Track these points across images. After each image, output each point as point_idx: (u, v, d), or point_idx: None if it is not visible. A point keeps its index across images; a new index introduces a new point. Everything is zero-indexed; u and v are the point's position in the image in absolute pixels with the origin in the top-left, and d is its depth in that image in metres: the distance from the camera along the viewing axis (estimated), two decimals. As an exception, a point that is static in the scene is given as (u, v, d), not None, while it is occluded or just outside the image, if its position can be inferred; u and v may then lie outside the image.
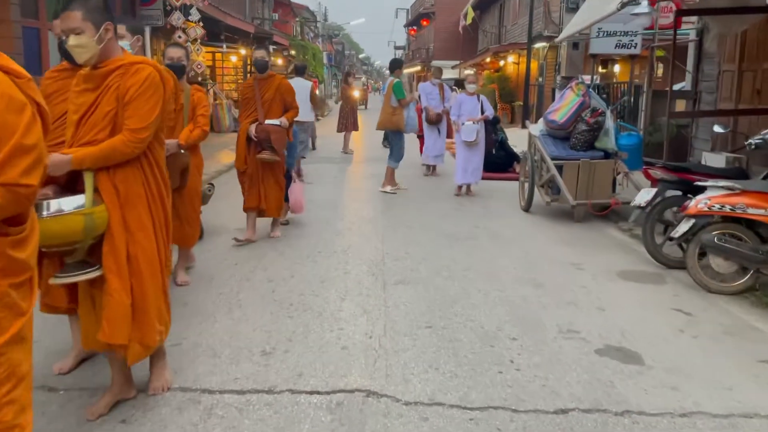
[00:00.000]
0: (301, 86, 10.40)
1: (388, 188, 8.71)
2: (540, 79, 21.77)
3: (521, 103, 19.91)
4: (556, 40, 10.40)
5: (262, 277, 5.02)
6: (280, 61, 25.42)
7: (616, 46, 11.34)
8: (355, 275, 5.09)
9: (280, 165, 5.95)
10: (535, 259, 5.66)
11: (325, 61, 48.88)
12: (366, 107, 35.50)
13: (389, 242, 6.14)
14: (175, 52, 4.66)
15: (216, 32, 16.35)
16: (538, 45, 21.50)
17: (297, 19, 36.10)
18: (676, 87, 12.61)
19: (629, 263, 5.59)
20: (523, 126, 12.18)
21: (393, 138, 8.59)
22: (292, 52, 28.64)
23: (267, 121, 5.74)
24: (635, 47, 11.37)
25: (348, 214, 7.47)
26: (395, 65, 8.73)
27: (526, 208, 7.67)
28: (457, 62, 36.52)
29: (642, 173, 6.10)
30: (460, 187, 8.48)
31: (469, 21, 30.45)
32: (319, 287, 4.77)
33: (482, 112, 8.15)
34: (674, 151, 8.43)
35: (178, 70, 4.53)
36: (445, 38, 41.14)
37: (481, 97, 8.19)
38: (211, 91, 19.75)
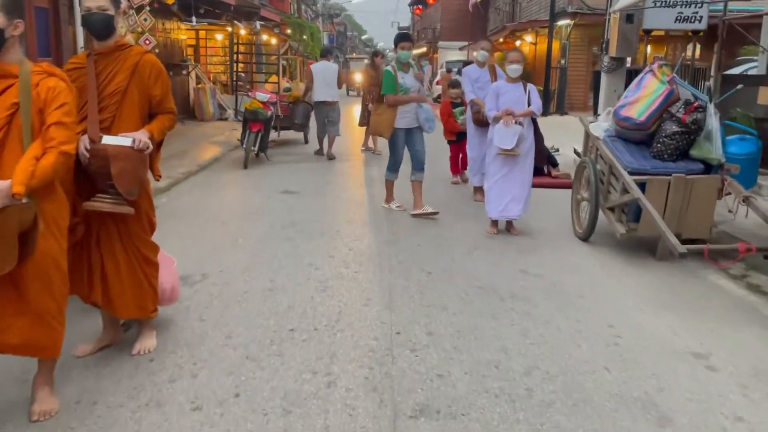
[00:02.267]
0: (327, 69, 10.34)
1: (393, 206, 6.64)
2: (562, 62, 19.56)
3: (541, 88, 17.72)
4: (614, 8, 8.21)
5: (177, 401, 2.93)
6: (274, 41, 23.15)
7: (676, 20, 9.15)
8: (343, 393, 3.00)
9: (138, 223, 3.24)
10: (631, 344, 3.57)
11: (326, 42, 46.57)
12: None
13: (399, 307, 4.04)
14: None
15: (192, 5, 14.15)
16: (561, 22, 19.28)
17: (294, -5, 33.72)
18: (737, 70, 10.38)
19: (783, 353, 3.50)
20: (561, 113, 9.90)
21: (389, 141, 6.45)
22: (288, 31, 26.34)
23: (107, 138, 3.02)
24: (700, 21, 9.18)
25: (340, 247, 5.37)
26: (398, 40, 6.33)
27: (585, 237, 5.57)
28: (466, 43, 34.16)
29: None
30: (495, 224, 5.88)
31: (480, -3, 28.03)
32: (280, 422, 2.69)
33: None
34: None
35: (99, 23, 3.04)
36: (453, 17, 38.70)
37: (529, 85, 5.86)
38: (193, 74, 17.60)
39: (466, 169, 8.03)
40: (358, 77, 31.72)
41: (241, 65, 18.93)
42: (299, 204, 6.97)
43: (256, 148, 9.57)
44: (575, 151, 8.30)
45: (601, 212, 5.43)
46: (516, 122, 5.57)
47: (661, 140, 5.13)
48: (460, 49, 34.73)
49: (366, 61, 14.36)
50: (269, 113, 9.61)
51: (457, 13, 38.01)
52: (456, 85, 7.96)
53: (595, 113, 9.54)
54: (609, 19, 8.98)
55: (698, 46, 19.66)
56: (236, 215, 6.47)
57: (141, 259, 3.25)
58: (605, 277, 4.76)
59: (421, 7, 47.82)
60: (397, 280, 4.54)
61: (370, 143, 11.20)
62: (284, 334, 3.60)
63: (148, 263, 3.30)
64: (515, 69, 5.70)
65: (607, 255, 5.27)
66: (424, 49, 41.43)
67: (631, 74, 8.95)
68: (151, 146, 3.11)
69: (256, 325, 3.72)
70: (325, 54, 10.87)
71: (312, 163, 10.03)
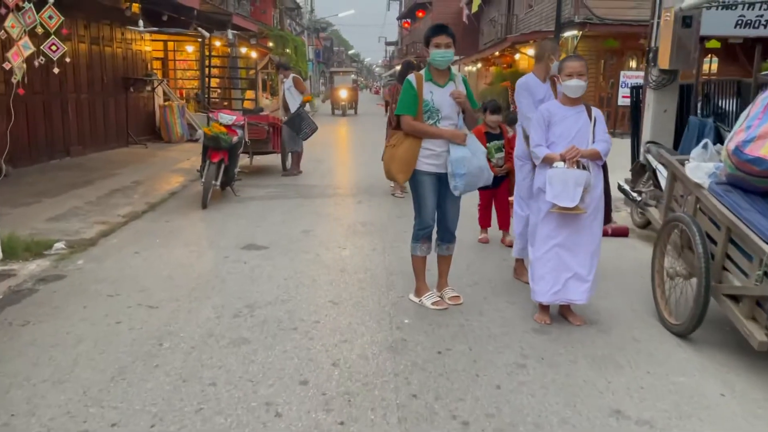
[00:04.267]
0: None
1: (428, 301, 4.28)
2: (568, 76, 17.90)
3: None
4: (683, 5, 6.43)
5: None
6: (254, 54, 21.30)
7: (737, 24, 7.41)
8: None
9: None
10: None
11: (311, 56, 44.82)
12: (356, 112, 30.70)
13: None
14: None
15: (154, 12, 12.26)
16: (568, 34, 17.65)
17: (277, 8, 31.94)
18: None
19: None
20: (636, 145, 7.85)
21: (412, 190, 4.36)
22: (270, 44, 24.53)
23: None
24: (765, 26, 7.45)
25: (318, 358, 3.46)
26: (432, 34, 4.03)
27: (686, 332, 3.72)
28: (458, 58, 32.56)
29: None
30: (546, 310, 4.03)
31: (474, 9, 26.50)
32: None
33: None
34: None
35: None
36: (444, 31, 37.08)
37: (595, 111, 3.94)
38: (159, 90, 15.69)
39: (507, 227, 6.01)
40: (344, 94, 29.66)
41: (214, 80, 17.13)
42: (265, 269, 5.06)
43: (219, 182, 7.67)
44: (622, 189, 6.50)
45: (711, 296, 3.58)
46: (581, 165, 3.73)
47: (815, 195, 3.30)
48: (451, 64, 33.09)
49: (383, 74, 13.05)
50: (235, 139, 7.73)
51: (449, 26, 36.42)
52: (496, 110, 5.80)
53: (635, 141, 7.73)
54: (656, 24, 7.23)
55: (715, 60, 18.15)
56: (172, 294, 4.53)
57: None
58: (747, 418, 2.89)
59: (409, 21, 46.37)
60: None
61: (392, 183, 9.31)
62: None
63: None
64: (576, 86, 3.84)
65: (733, 369, 3.41)
66: (413, 64, 39.73)
67: (684, 91, 7.18)
68: None
69: None
70: (280, 68, 10.69)
71: (290, 200, 8.13)
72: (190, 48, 16.57)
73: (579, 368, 3.39)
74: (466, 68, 32.59)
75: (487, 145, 5.59)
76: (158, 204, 7.80)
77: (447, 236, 4.33)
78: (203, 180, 7.48)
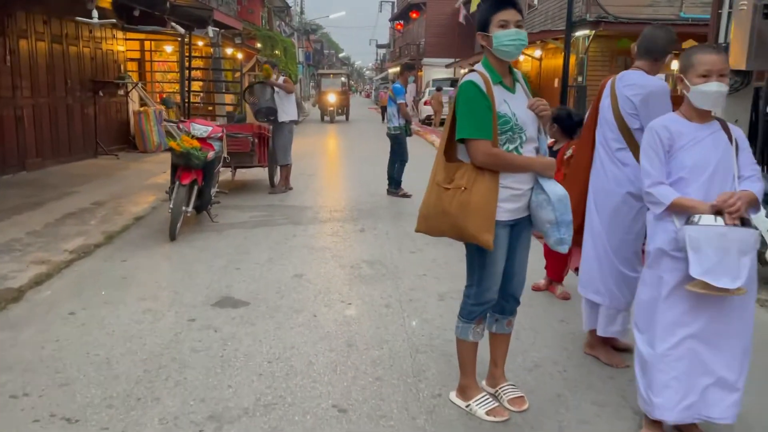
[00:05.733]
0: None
1: (479, 407, 2.87)
2: (579, 79, 16.64)
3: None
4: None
5: None
6: (240, 55, 19.89)
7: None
8: None
9: None
10: None
11: (301, 59, 43.39)
12: (347, 118, 29.05)
13: None
14: None
15: (125, 7, 10.84)
16: (579, 33, 16.40)
17: (266, 6, 30.52)
18: None
19: None
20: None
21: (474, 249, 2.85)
22: (258, 45, 23.14)
23: None
24: None
25: None
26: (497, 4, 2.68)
27: None
28: (452, 60, 31.32)
29: None
30: (659, 427, 2.67)
31: (473, 8, 25.17)
32: None
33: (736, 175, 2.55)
34: None
35: None
36: (438, 33, 35.91)
37: (734, 129, 2.58)
38: (134, 95, 14.23)
39: (560, 277, 4.56)
40: (332, 98, 27.88)
41: (197, 83, 15.70)
42: (242, 344, 3.68)
43: (190, 208, 6.28)
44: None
45: None
46: (743, 221, 2.38)
47: None
48: (447, 66, 31.86)
49: (375, 77, 12.03)
50: (211, 155, 6.35)
51: (443, 27, 35.23)
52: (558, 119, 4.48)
53: None
54: (727, 17, 5.94)
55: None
56: (105, 392, 3.13)
57: None
58: None
59: (402, 22, 45.10)
60: None
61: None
62: None
63: None
64: (717, 93, 2.51)
65: None
66: (407, 67, 38.39)
67: (760, 95, 5.90)
68: None
69: None
70: (274, 67, 9.10)
71: (278, 227, 6.75)
72: (169, 48, 15.14)
73: None
74: (462, 71, 31.35)
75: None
76: (118, 234, 6.40)
77: (509, 306, 2.98)
78: (171, 206, 6.08)
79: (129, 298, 4.47)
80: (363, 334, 3.85)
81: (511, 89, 2.77)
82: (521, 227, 2.83)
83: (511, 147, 2.70)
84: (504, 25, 2.65)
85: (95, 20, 8.14)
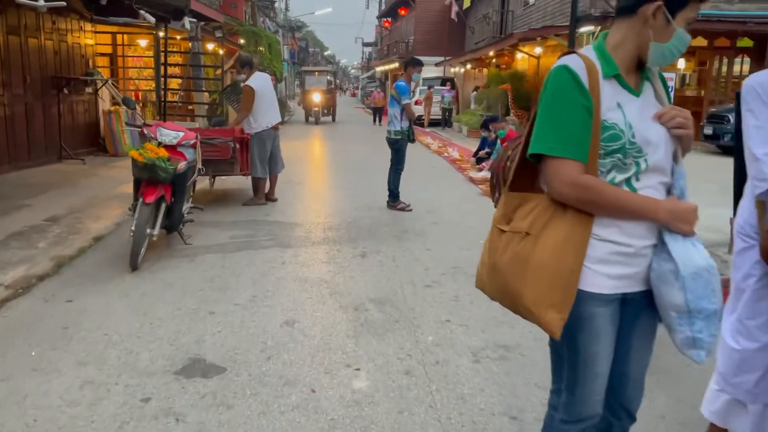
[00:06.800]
0: (267, 83, 7.91)
1: None
2: (582, 78, 15.74)
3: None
4: None
5: None
6: (221, 52, 18.72)
7: None
8: None
9: None
10: None
11: (286, 56, 42.18)
12: (334, 119, 27.66)
13: None
14: None
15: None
16: (583, 29, 15.49)
17: (249, 2, 29.31)
18: None
19: None
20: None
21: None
22: (241, 41, 21.99)
23: None
24: None
25: None
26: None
27: None
28: (443, 59, 30.31)
29: None
30: None
31: (467, 4, 24.26)
32: None
33: None
34: None
35: None
36: (428, 30, 34.89)
37: None
38: (104, 93, 13.04)
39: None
40: (317, 97, 26.30)
41: (174, 81, 14.56)
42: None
43: (156, 231, 5.20)
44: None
45: None
46: None
47: None
48: (437, 65, 30.87)
49: (361, 76, 11.28)
50: (182, 166, 5.27)
51: (433, 25, 34.22)
52: None
53: (739, 176, 5.40)
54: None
55: (748, 61, 16.14)
56: None
57: None
58: None
59: (390, 20, 44.07)
60: None
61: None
62: None
63: None
64: None
65: None
66: (395, 65, 37.37)
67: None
68: None
69: None
70: (245, 65, 7.85)
71: (263, 252, 5.68)
72: (143, 42, 13.99)
73: None
74: (453, 69, 30.37)
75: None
76: (70, 261, 5.31)
77: (620, 425, 1.95)
78: (133, 229, 4.99)
79: (66, 362, 3.39)
80: (380, 422, 2.81)
81: (635, 91, 1.76)
82: (639, 304, 1.81)
83: (620, 178, 1.71)
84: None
85: (41, 3, 6.96)
